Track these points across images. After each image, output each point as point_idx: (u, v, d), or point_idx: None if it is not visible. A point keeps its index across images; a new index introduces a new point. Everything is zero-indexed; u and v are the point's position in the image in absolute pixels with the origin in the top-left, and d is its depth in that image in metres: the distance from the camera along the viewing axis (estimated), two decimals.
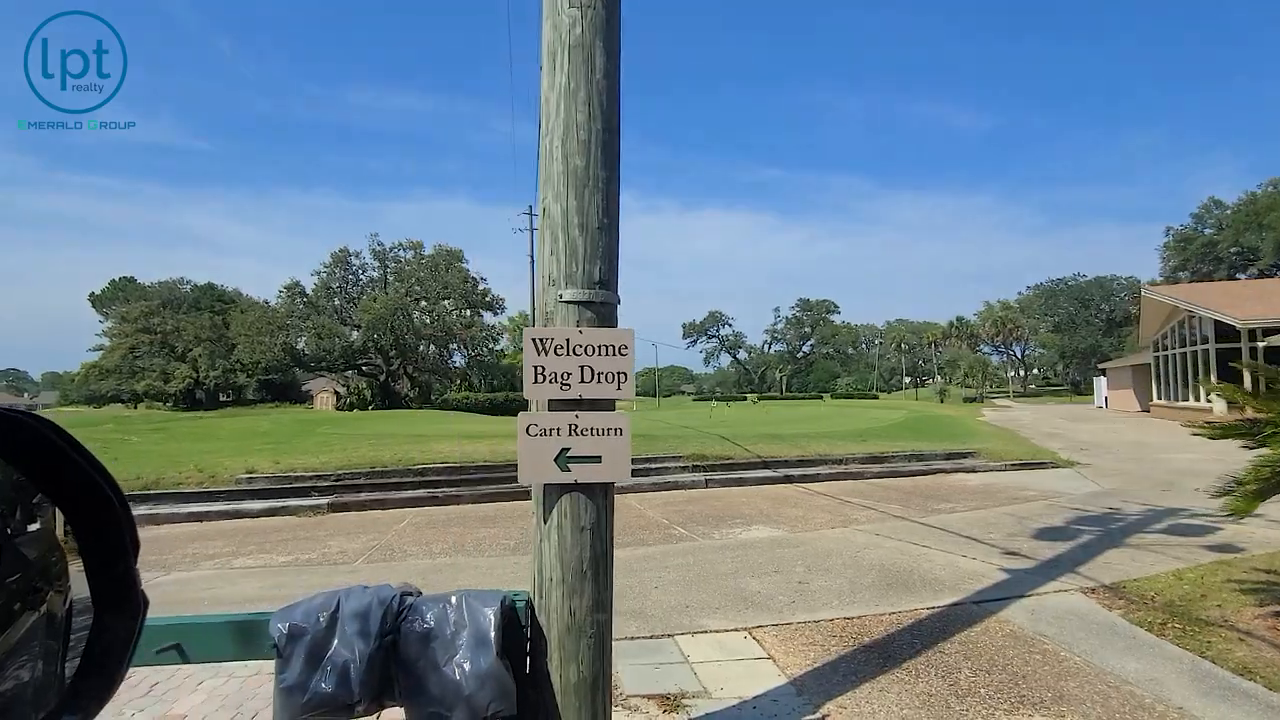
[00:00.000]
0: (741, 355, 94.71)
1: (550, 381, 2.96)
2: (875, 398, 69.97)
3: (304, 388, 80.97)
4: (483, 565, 7.11)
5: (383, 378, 57.28)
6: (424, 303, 59.42)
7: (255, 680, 4.27)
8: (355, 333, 52.99)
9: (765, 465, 12.93)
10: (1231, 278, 46.23)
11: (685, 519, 9.27)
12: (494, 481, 11.81)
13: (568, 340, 2.96)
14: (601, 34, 3.10)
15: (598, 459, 2.99)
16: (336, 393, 60.10)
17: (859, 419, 23.99)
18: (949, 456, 13.88)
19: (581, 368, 2.98)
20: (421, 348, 56.39)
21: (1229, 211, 50.51)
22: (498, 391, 62.36)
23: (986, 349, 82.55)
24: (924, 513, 9.22)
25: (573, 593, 2.97)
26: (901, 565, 6.57)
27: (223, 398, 68.22)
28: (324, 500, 10.70)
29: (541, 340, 2.94)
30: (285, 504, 10.57)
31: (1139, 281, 78.94)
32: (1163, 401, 29.76)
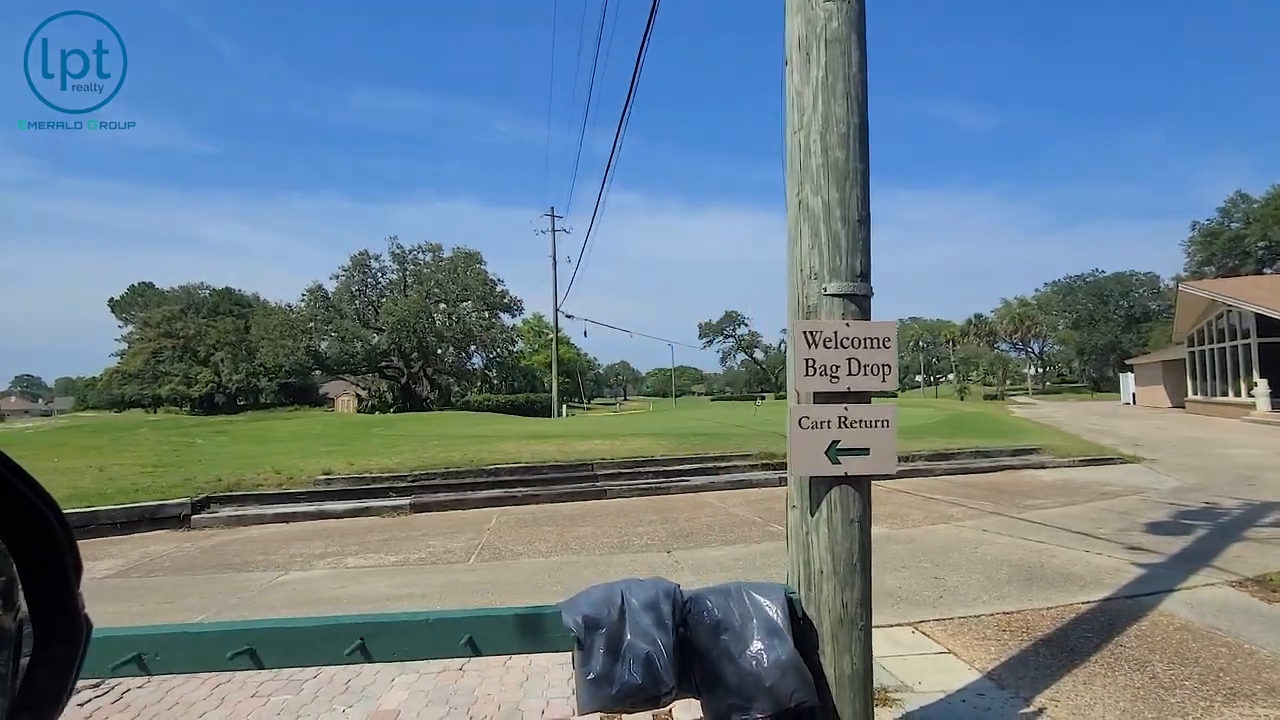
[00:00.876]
0: (758, 354, 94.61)
1: (820, 374, 2.97)
2: (894, 396, 69.77)
3: (320, 391, 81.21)
4: (599, 563, 7.13)
5: (404, 380, 57.49)
6: (443, 305, 59.61)
7: (445, 676, 4.30)
8: (378, 335, 53.19)
9: None
10: (1259, 272, 45.86)
11: (777, 517, 9.27)
12: (567, 481, 11.83)
13: (835, 333, 2.97)
14: (855, 27, 3.12)
15: (866, 451, 3.00)
16: (358, 395, 60.29)
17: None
18: (1015, 453, 13.83)
19: (849, 360, 2.99)
20: (442, 350, 56.58)
21: (1256, 206, 50.15)
22: (518, 393, 62.64)
23: (1004, 346, 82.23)
24: (1017, 509, 9.19)
25: (844, 585, 2.97)
26: (1028, 561, 6.55)
27: (240, 402, 68.55)
28: (405, 501, 10.75)
29: (811, 333, 2.95)
30: (367, 505, 10.62)
31: (1158, 277, 78.53)
32: (1199, 397, 29.56)
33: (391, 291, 61.70)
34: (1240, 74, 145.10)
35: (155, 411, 72.97)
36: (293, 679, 4.33)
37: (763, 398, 75.79)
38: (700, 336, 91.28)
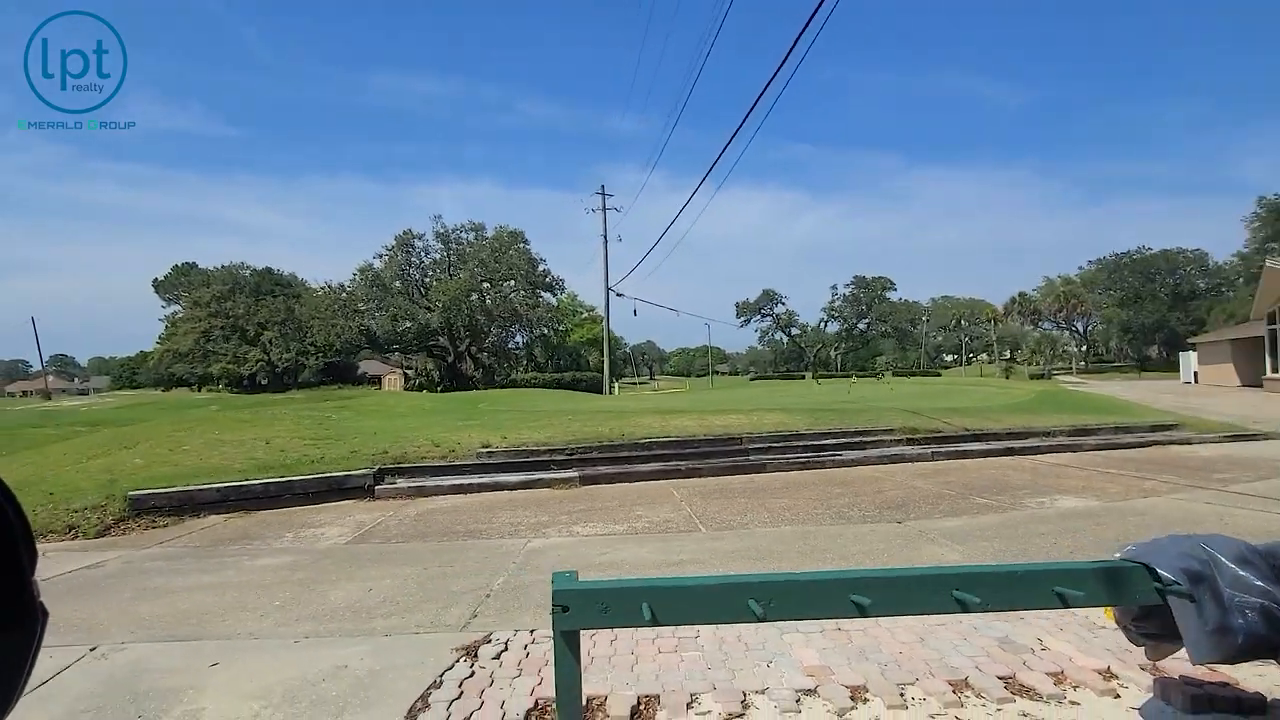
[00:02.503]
0: (793, 333, 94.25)
1: None
2: (938, 375, 69.17)
3: (359, 370, 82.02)
4: (842, 533, 7.18)
5: (450, 359, 58.02)
6: (487, 284, 59.91)
7: (833, 635, 4.38)
8: (429, 314, 53.56)
9: (976, 438, 12.89)
10: None
11: (968, 490, 9.29)
12: (719, 455, 11.91)
13: None
14: None
15: None
16: (405, 374, 60.96)
17: (983, 395, 23.75)
18: (1154, 429, 13.72)
19: None
20: (490, 329, 56.91)
21: None
22: (564, 371, 62.91)
23: (1047, 325, 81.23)
24: (1216, 483, 9.14)
25: None
26: None
27: (286, 380, 69.41)
28: (573, 474, 10.88)
29: None
30: (538, 476, 10.77)
31: (1206, 254, 77.02)
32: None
33: (435, 270, 62.10)
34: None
35: (200, 390, 74.23)
36: (681, 636, 4.44)
37: (803, 376, 75.60)
38: (738, 315, 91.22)
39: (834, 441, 12.47)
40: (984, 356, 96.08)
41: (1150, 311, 76.12)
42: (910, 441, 12.54)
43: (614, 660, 4.12)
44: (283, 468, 10.37)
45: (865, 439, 12.60)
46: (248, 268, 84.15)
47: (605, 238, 48.26)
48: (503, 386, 54.23)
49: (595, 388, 52.47)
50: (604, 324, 48.92)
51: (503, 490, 10.44)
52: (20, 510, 0.72)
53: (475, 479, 10.70)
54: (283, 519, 8.90)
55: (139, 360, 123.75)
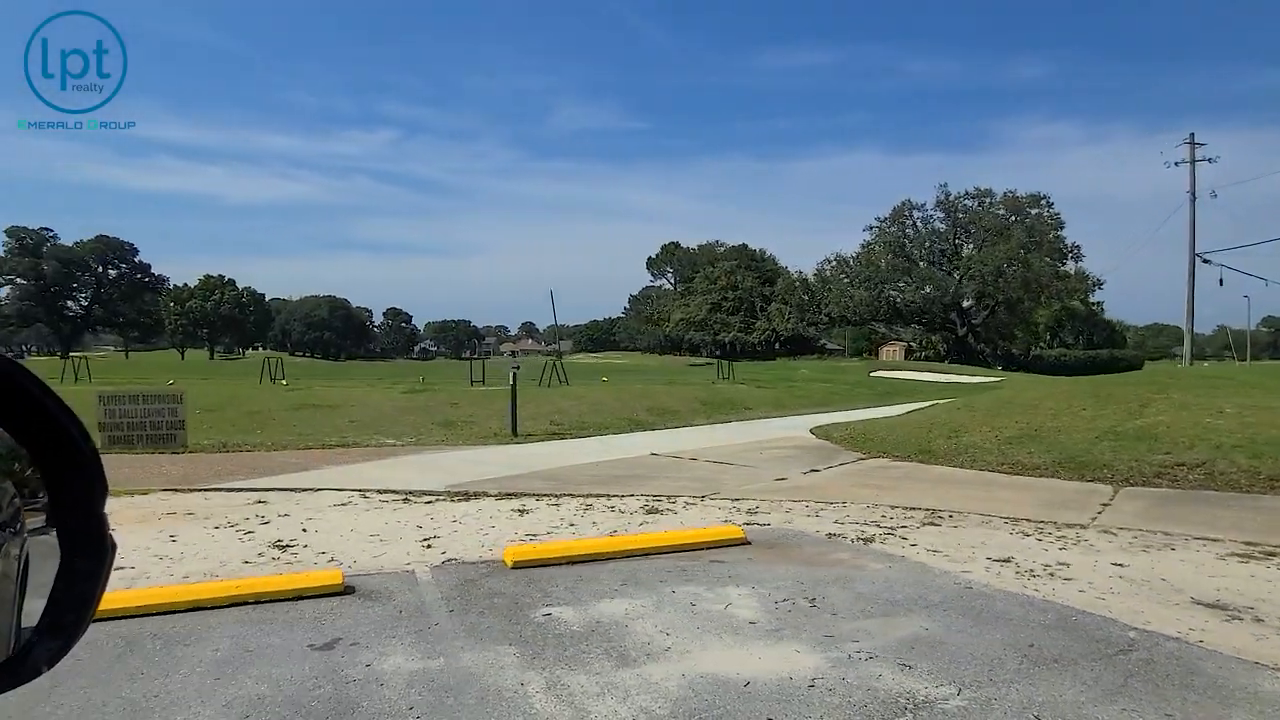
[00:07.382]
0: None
1: None
2: None
3: (818, 341, 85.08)
4: None
5: (961, 332, 56.43)
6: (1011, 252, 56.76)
7: None
8: (965, 285, 52.54)
9: None
10: None
11: None
12: None
13: None
14: None
15: None
16: (909, 346, 61.09)
17: None
18: None
19: None
20: (1020, 301, 53.83)
21: None
22: (1099, 349, 56.92)
23: None
24: None
25: None
26: None
27: (777, 348, 75.09)
28: None
29: None
30: None
31: None
32: None
33: (933, 239, 60.92)
34: None
35: (682, 353, 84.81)
36: None
37: None
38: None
39: None
40: None
41: None
42: None
43: None
44: None
45: None
46: (722, 245, 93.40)
47: (1193, 194, 41.68)
48: (1023, 366, 51.11)
49: (1136, 369, 46.29)
50: (1188, 295, 42.54)
51: None
52: (91, 444, 0.72)
53: None
54: None
55: (592, 328, 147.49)
